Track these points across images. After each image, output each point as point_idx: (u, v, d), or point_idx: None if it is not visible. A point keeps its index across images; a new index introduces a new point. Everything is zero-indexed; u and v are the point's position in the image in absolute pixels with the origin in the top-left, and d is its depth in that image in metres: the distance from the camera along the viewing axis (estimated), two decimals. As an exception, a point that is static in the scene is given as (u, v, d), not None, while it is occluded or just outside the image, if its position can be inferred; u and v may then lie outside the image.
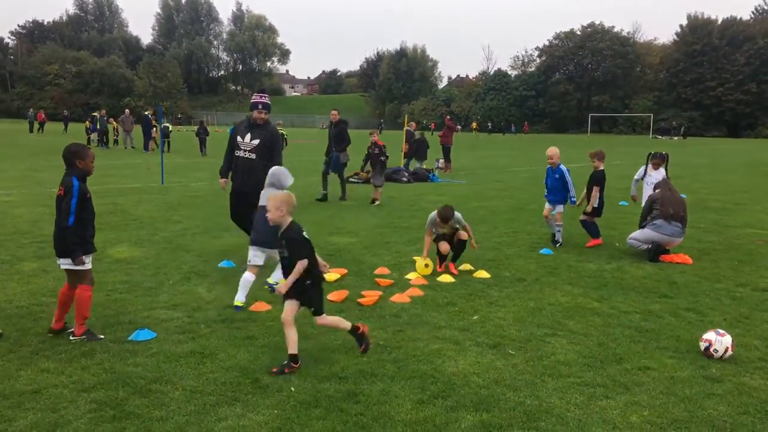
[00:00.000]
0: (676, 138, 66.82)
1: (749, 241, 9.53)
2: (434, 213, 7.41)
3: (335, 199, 13.70)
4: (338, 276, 6.98)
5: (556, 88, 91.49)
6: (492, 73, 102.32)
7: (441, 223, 7.32)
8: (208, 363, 4.44)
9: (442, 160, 22.29)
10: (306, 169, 21.66)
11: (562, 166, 8.94)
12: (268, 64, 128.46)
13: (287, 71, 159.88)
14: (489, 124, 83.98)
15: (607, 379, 4.34)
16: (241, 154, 7.29)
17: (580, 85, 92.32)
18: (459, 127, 30.28)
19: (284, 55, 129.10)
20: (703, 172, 22.96)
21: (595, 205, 8.90)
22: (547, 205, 9.13)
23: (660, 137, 68.69)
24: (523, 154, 35.08)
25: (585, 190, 9.13)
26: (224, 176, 7.56)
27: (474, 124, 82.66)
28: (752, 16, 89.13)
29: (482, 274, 7.23)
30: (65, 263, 4.83)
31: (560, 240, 8.94)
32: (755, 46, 79.12)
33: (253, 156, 7.25)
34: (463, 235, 7.54)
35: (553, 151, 8.97)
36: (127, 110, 36.57)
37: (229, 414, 3.69)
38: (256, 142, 7.26)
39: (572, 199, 8.93)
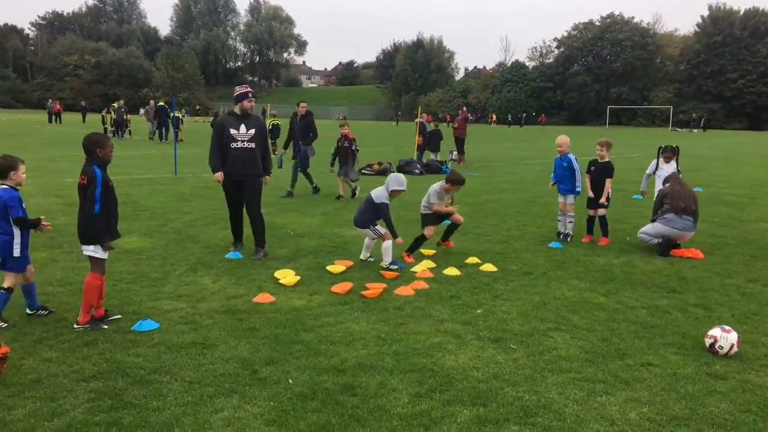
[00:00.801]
0: (695, 130, 65.93)
1: (763, 235, 9.38)
2: (437, 184, 7.95)
3: (327, 193, 13.64)
4: (344, 268, 6.97)
5: (575, 79, 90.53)
6: (509, 64, 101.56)
7: (453, 188, 7.94)
8: (208, 354, 4.47)
9: (455, 152, 22.18)
10: (321, 161, 21.67)
11: (571, 155, 8.78)
12: (285, 55, 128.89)
13: (304, 62, 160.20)
14: (509, 116, 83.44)
15: (608, 374, 4.29)
16: (239, 145, 7.36)
17: (599, 76, 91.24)
18: (472, 117, 30.11)
19: (301, 46, 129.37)
20: (721, 165, 22.63)
21: (609, 197, 8.66)
22: (560, 198, 8.98)
23: (679, 130, 67.82)
24: (538, 146, 34.81)
25: (589, 182, 8.75)
26: (220, 170, 7.41)
27: (492, 116, 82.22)
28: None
29: (489, 267, 7.19)
30: (89, 250, 4.94)
31: (571, 233, 8.83)
32: (778, 37, 77.68)
33: (253, 145, 7.42)
34: (459, 218, 8.14)
35: (563, 139, 8.79)
36: (151, 101, 36.77)
37: (225, 405, 3.70)
38: (252, 131, 7.42)
39: (578, 189, 8.77)
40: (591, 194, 8.71)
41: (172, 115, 28.05)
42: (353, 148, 13.10)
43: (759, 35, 79.20)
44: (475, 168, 20.35)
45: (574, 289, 6.42)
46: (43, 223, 5.11)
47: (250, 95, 7.49)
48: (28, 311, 5.18)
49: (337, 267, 6.96)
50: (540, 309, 5.73)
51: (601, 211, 8.66)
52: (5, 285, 4.95)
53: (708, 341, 4.72)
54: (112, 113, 33.41)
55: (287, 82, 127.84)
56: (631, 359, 4.56)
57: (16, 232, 4.95)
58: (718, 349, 4.65)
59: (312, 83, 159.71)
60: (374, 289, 6.15)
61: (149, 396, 3.79)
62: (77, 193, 5.01)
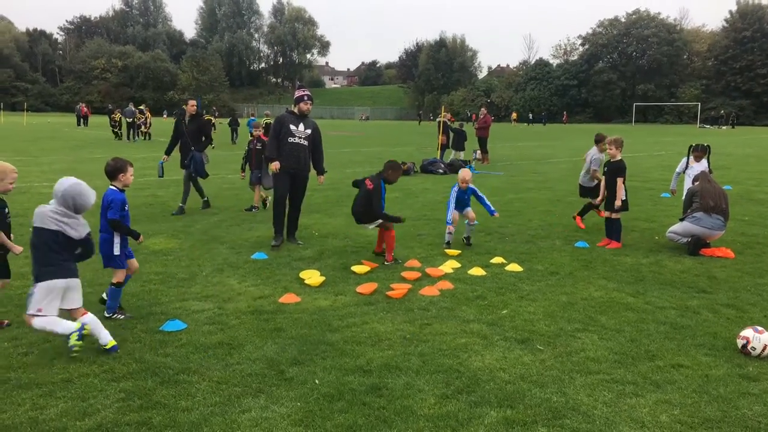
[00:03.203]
0: (724, 127, 64.74)
1: (797, 234, 9.17)
2: (593, 151, 9.31)
3: (351, 194, 13.60)
4: (368, 269, 6.98)
5: (599, 77, 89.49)
6: (533, 62, 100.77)
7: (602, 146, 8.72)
8: (235, 354, 4.50)
9: (479, 152, 22.09)
10: (344, 162, 21.76)
11: (471, 186, 8.30)
12: (308, 56, 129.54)
13: (327, 63, 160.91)
14: (530, 114, 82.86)
15: (638, 376, 4.23)
16: (296, 140, 8.06)
17: (624, 73, 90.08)
18: (493, 117, 29.81)
19: (324, 47, 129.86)
20: (751, 163, 22.17)
21: (623, 198, 8.21)
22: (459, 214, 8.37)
23: (708, 127, 66.68)
24: (563, 144, 34.47)
25: (602, 184, 8.52)
26: (276, 159, 8.00)
27: (514, 115, 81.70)
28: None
29: (514, 267, 7.14)
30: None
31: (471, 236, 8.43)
32: (810, 31, 75.96)
33: (306, 143, 8.17)
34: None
35: (467, 175, 8.21)
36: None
37: (253, 405, 3.72)
38: (308, 131, 8.20)
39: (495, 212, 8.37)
40: (605, 195, 8.47)
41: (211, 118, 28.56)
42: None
43: (790, 29, 77.53)
44: (500, 167, 20.23)
45: (601, 289, 6.34)
46: (141, 239, 5.37)
47: (305, 98, 8.16)
48: (106, 314, 5.31)
49: (362, 267, 6.97)
50: (567, 309, 5.67)
51: (614, 215, 8.30)
52: (114, 280, 5.21)
53: (740, 342, 4.63)
54: (119, 116, 34.13)
55: (310, 83, 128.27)
56: (661, 360, 4.49)
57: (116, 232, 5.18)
58: (751, 351, 4.55)
59: (335, 84, 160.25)
60: (399, 289, 6.14)
61: (178, 396, 3.83)
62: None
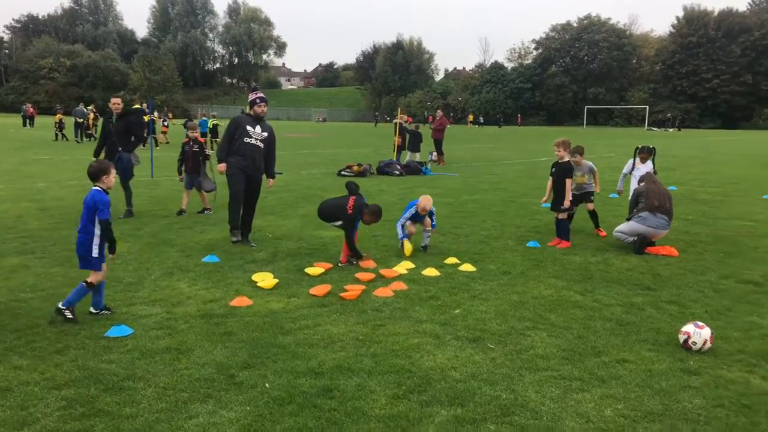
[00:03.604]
0: (671, 130, 66.87)
1: (736, 232, 9.52)
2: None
3: (306, 195, 13.58)
4: (322, 270, 6.94)
5: (553, 80, 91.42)
6: (488, 65, 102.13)
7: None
8: (183, 359, 4.41)
9: (435, 153, 22.24)
10: (300, 163, 21.62)
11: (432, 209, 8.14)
12: (264, 57, 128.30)
13: (283, 64, 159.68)
14: (481, 117, 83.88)
15: (584, 372, 4.32)
16: (252, 141, 8.14)
17: (576, 77, 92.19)
18: (450, 120, 30.20)
19: (280, 48, 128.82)
20: (696, 164, 22.95)
21: (571, 199, 8.42)
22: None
23: (655, 129, 68.71)
24: (518, 146, 35.03)
25: (549, 184, 8.69)
26: (225, 161, 8.07)
27: (470, 117, 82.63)
28: (749, 7, 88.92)
29: (468, 267, 7.21)
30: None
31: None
32: (751, 38, 79.14)
33: (262, 146, 8.25)
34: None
35: (427, 203, 7.88)
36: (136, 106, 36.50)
37: (200, 411, 3.66)
38: (265, 134, 8.28)
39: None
40: (552, 197, 8.62)
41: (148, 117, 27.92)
42: (206, 153, 10.91)
43: (732, 35, 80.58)
44: (455, 169, 20.41)
45: (551, 288, 6.46)
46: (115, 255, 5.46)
47: (259, 101, 8.26)
48: (92, 310, 5.30)
49: (315, 269, 6.93)
50: (518, 308, 5.76)
51: (560, 215, 8.50)
52: (89, 279, 5.18)
53: (682, 337, 4.78)
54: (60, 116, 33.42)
55: (266, 84, 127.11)
56: (606, 356, 4.60)
57: (97, 233, 5.18)
58: (692, 345, 4.70)
59: (291, 85, 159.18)
60: (353, 290, 6.13)
61: (122, 403, 3.74)
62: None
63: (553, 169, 8.63)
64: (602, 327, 5.25)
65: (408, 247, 7.86)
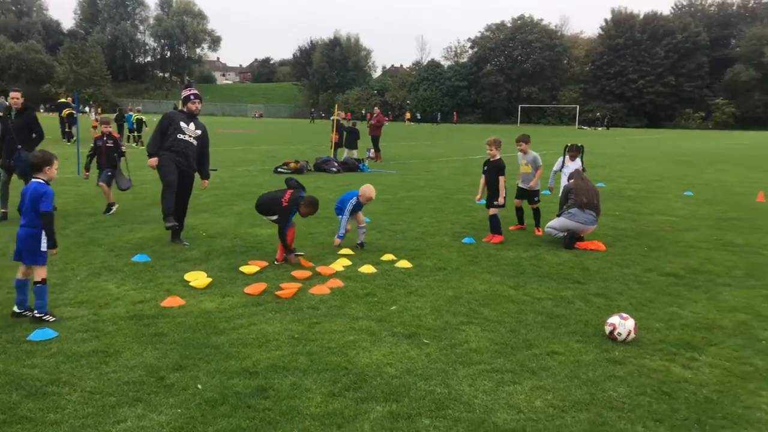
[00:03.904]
0: (600, 129, 69.32)
1: (659, 227, 9.97)
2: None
3: (241, 192, 13.38)
4: (258, 269, 6.85)
5: (488, 79, 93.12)
6: (425, 63, 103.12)
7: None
8: (111, 362, 4.27)
9: (372, 150, 22.31)
10: (235, 160, 21.26)
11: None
12: (198, 50, 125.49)
13: (218, 59, 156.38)
14: (418, 115, 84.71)
15: (516, 365, 4.43)
16: (186, 138, 7.99)
17: (510, 76, 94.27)
18: (387, 118, 30.35)
19: (215, 42, 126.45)
20: (623, 162, 23.88)
21: (505, 196, 8.63)
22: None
23: (585, 128, 71.10)
24: (454, 144, 35.53)
25: (482, 182, 8.83)
26: (156, 156, 7.89)
27: (407, 114, 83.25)
28: (672, 11, 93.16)
29: (404, 264, 7.26)
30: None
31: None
32: (674, 41, 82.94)
33: (195, 143, 8.10)
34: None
35: (372, 194, 8.05)
36: (62, 99, 34.80)
37: (129, 415, 3.55)
38: (199, 132, 8.15)
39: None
40: (486, 193, 8.78)
41: (73, 112, 26.87)
42: (121, 149, 10.53)
43: (657, 38, 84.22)
44: (392, 166, 20.52)
45: (485, 283, 6.59)
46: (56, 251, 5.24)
47: (193, 97, 8.13)
48: (16, 309, 5.09)
49: (250, 267, 6.84)
50: (453, 303, 5.85)
51: (492, 210, 8.64)
52: (37, 279, 5.01)
53: (607, 329, 4.97)
54: None
55: (200, 78, 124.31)
56: (537, 349, 4.74)
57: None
58: (617, 336, 4.90)
59: (227, 80, 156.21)
60: (289, 288, 6.08)
61: (46, 409, 3.58)
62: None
63: (486, 167, 8.79)
64: (534, 320, 5.40)
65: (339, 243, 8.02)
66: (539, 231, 9.32)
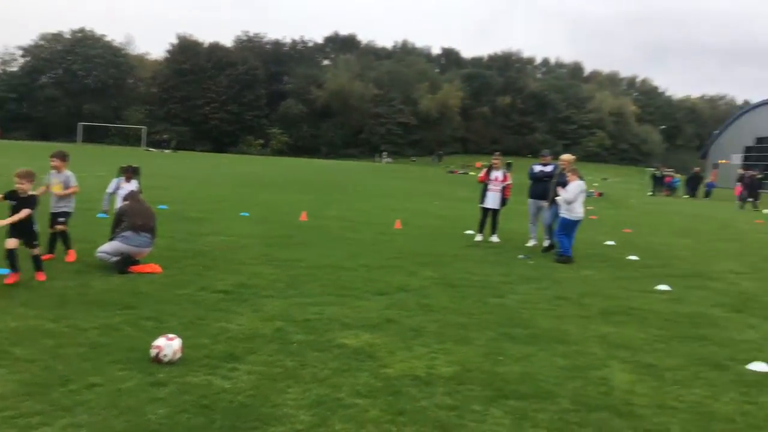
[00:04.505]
0: (167, 151, 69.70)
1: (215, 247, 10.45)
2: None
3: None
4: None
5: (43, 92, 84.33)
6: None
7: None
8: None
9: None
10: None
11: None
12: None
13: None
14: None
15: (47, 405, 4.02)
16: None
17: (70, 91, 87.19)
18: None
19: None
20: (189, 184, 24.39)
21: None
22: None
23: (153, 150, 70.46)
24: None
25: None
26: None
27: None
28: (234, 43, 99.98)
29: None
30: None
31: None
32: (236, 72, 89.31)
33: None
34: None
35: None
36: None
37: None
38: None
39: None
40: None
41: None
42: None
43: (221, 67, 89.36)
44: None
45: (19, 318, 5.82)
46: None
47: None
48: None
49: None
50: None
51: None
52: None
53: (153, 352, 4.92)
54: None
55: None
56: (74, 384, 4.38)
57: None
58: (163, 358, 4.89)
59: None
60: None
61: None
62: None
63: (14, 203, 7.22)
64: (74, 353, 5.00)
65: None
66: (71, 256, 8.55)
